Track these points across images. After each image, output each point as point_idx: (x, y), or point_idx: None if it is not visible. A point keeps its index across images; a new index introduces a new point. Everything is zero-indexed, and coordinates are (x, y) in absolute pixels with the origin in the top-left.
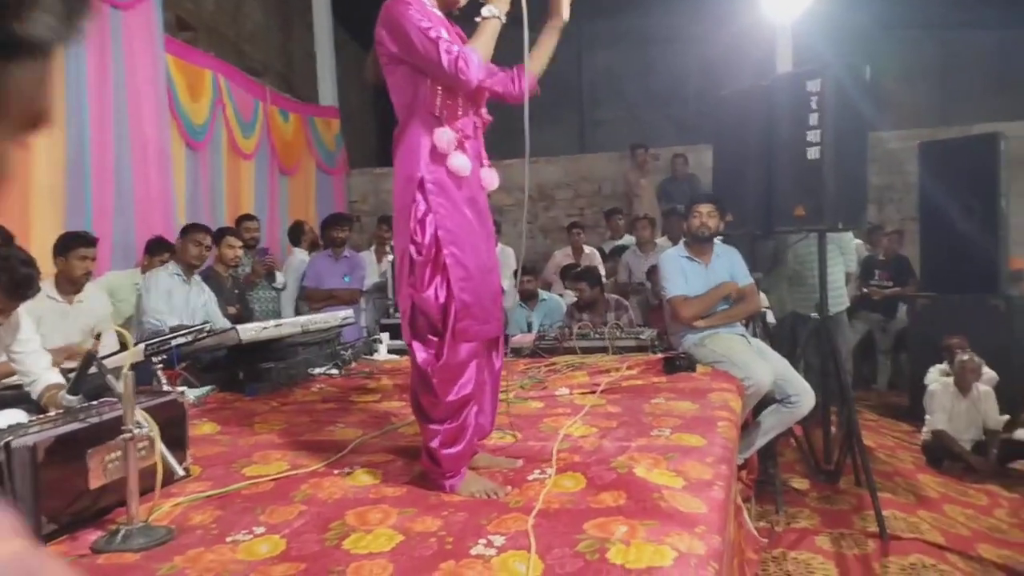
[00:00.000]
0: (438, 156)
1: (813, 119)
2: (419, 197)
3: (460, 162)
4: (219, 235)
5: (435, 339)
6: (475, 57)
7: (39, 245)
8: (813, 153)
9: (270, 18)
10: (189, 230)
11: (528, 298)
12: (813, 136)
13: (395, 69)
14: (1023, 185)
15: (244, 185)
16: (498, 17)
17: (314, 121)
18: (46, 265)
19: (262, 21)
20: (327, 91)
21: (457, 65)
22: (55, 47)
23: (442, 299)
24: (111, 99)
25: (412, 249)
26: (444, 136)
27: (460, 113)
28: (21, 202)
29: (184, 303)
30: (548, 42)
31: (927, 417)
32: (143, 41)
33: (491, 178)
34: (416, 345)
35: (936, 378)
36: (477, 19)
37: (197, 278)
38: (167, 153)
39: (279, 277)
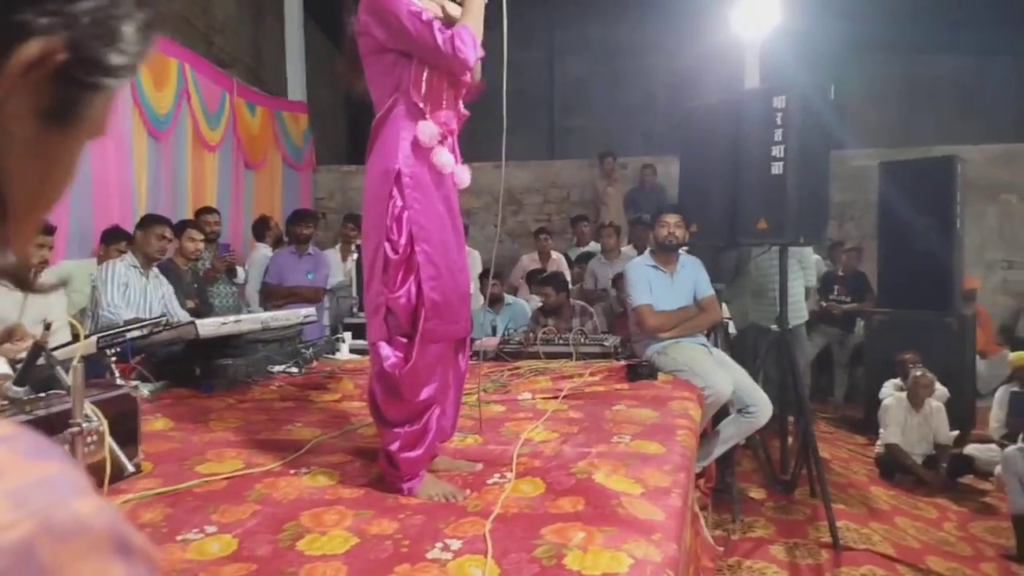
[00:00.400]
0: (419, 150)
1: (778, 135)
2: (395, 192)
3: (444, 158)
4: (180, 227)
5: (404, 340)
6: (468, 36)
7: None
8: (777, 168)
9: (241, 10)
10: (150, 222)
11: (494, 302)
12: (777, 151)
13: (379, 58)
14: (977, 207)
15: (208, 177)
16: None
17: (282, 115)
18: None
19: (233, 13)
20: (296, 86)
21: (454, 44)
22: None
23: (414, 300)
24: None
25: (387, 247)
26: (428, 129)
27: (444, 105)
28: None
29: (141, 296)
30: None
31: (881, 430)
32: None
33: (464, 176)
34: (383, 347)
35: (890, 392)
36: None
37: (155, 271)
38: (127, 141)
39: (240, 273)
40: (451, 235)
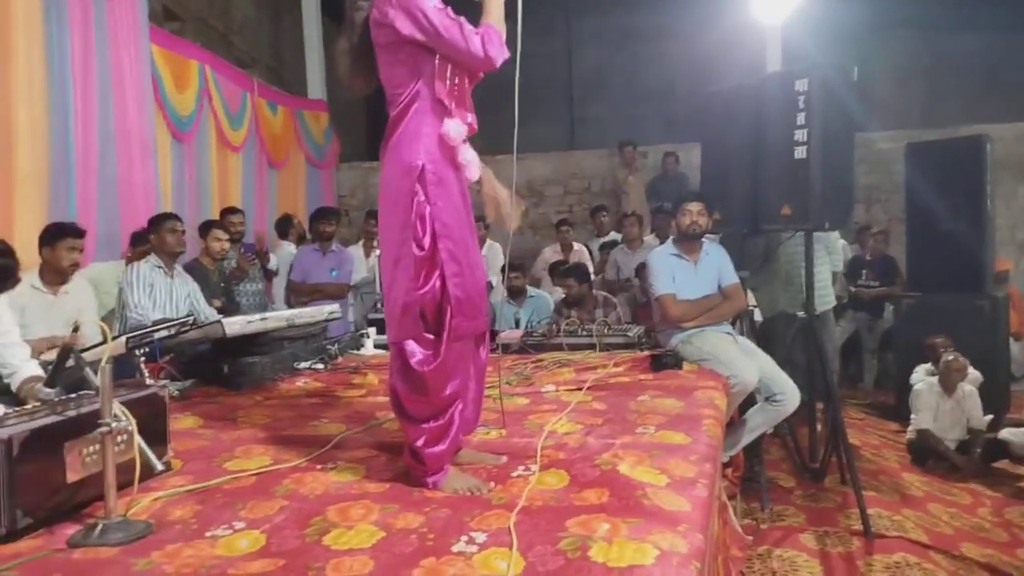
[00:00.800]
0: (442, 147)
1: (800, 119)
2: (419, 188)
3: (470, 155)
4: (205, 228)
5: (431, 337)
6: (496, 36)
7: (23, 235)
8: (800, 152)
9: (260, 10)
10: (159, 220)
11: (516, 294)
12: (800, 135)
13: (397, 50)
14: (1008, 187)
15: (232, 177)
16: None
17: (303, 114)
18: (30, 255)
19: (252, 13)
20: (316, 84)
21: (484, 46)
22: None
23: (439, 296)
24: (95, 89)
25: (413, 245)
26: (455, 128)
27: (467, 102)
28: (5, 192)
29: (167, 295)
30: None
31: (912, 416)
32: (128, 30)
33: (475, 170)
34: (410, 343)
35: (922, 377)
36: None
37: (179, 269)
38: (151, 144)
39: (272, 260)
40: (469, 231)
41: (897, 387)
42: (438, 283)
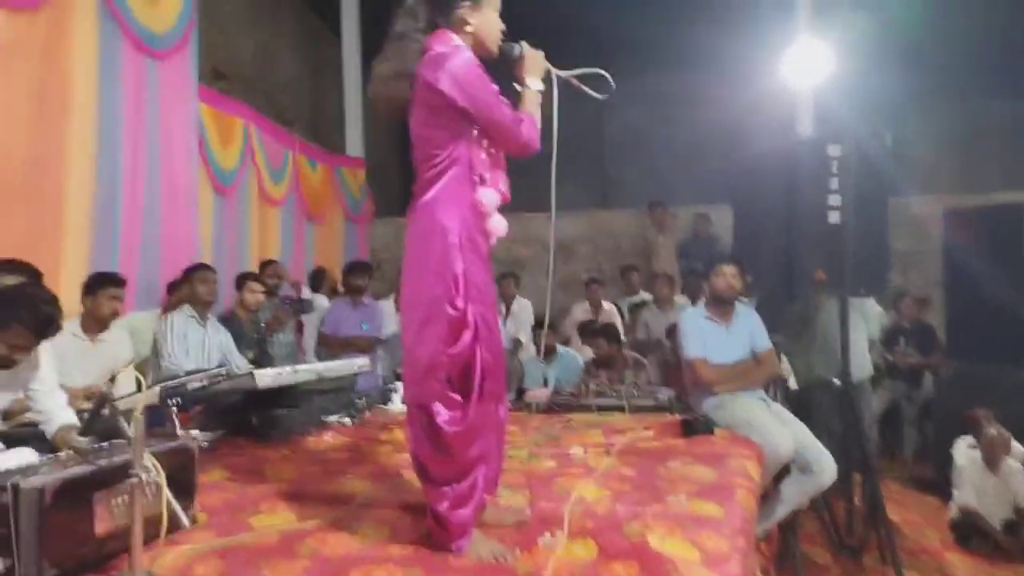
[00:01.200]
0: (477, 214)
1: (834, 183)
2: (456, 252)
3: (499, 222)
4: (241, 280)
5: (458, 399)
6: (535, 125)
7: (67, 284)
8: (834, 217)
9: (302, 69)
10: (193, 271)
11: (545, 352)
12: (834, 200)
13: (440, 114)
14: None
15: (271, 231)
16: (542, 90)
17: (341, 171)
18: (72, 303)
19: (294, 72)
20: (354, 141)
21: (529, 134)
22: None
23: (467, 357)
24: (144, 143)
25: (447, 305)
26: (490, 196)
27: (501, 171)
28: (53, 242)
29: (200, 345)
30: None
31: (955, 492)
32: (178, 89)
33: (503, 226)
34: (436, 406)
35: (963, 451)
36: (518, 87)
37: (212, 319)
38: (194, 197)
39: (305, 291)
40: (492, 296)
41: (938, 460)
42: (468, 345)
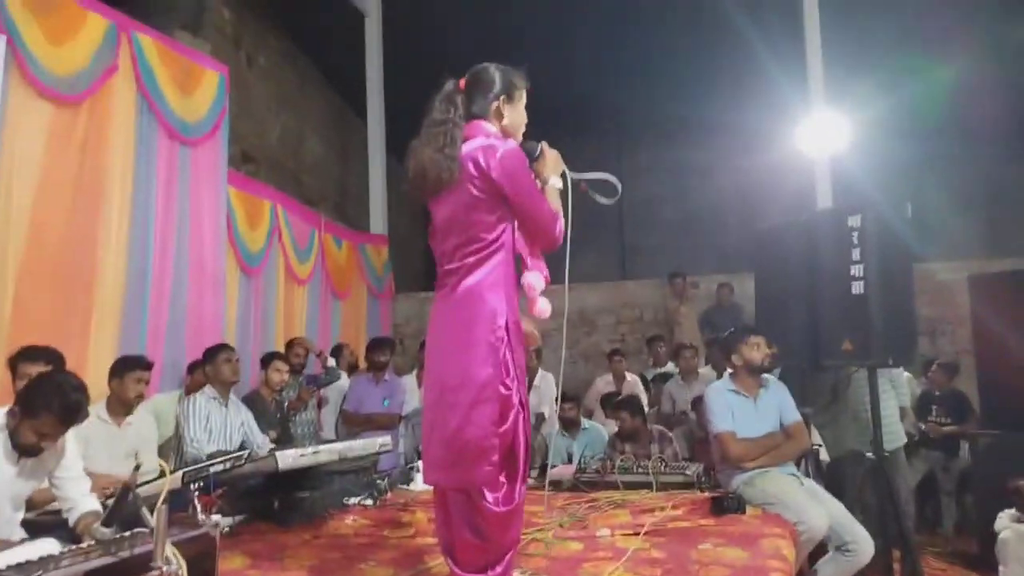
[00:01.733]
0: (518, 296)
1: (856, 254)
2: (504, 334)
3: (545, 305)
4: (267, 359)
5: (504, 479)
6: (562, 223)
7: (95, 365)
8: (858, 288)
9: (328, 150)
10: (215, 352)
11: (569, 426)
12: (856, 271)
13: (490, 199)
14: None
15: (297, 309)
16: (560, 187)
17: (365, 248)
18: (100, 385)
19: (321, 154)
20: (378, 219)
21: (560, 230)
22: None
23: (512, 436)
24: (174, 228)
25: (500, 386)
26: (536, 279)
27: (541, 256)
28: (82, 324)
29: (222, 426)
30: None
31: (1001, 568)
32: (208, 174)
33: (547, 309)
34: (486, 488)
35: (1007, 524)
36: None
37: (234, 398)
38: (222, 280)
39: (331, 360)
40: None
41: (980, 533)
42: (514, 423)
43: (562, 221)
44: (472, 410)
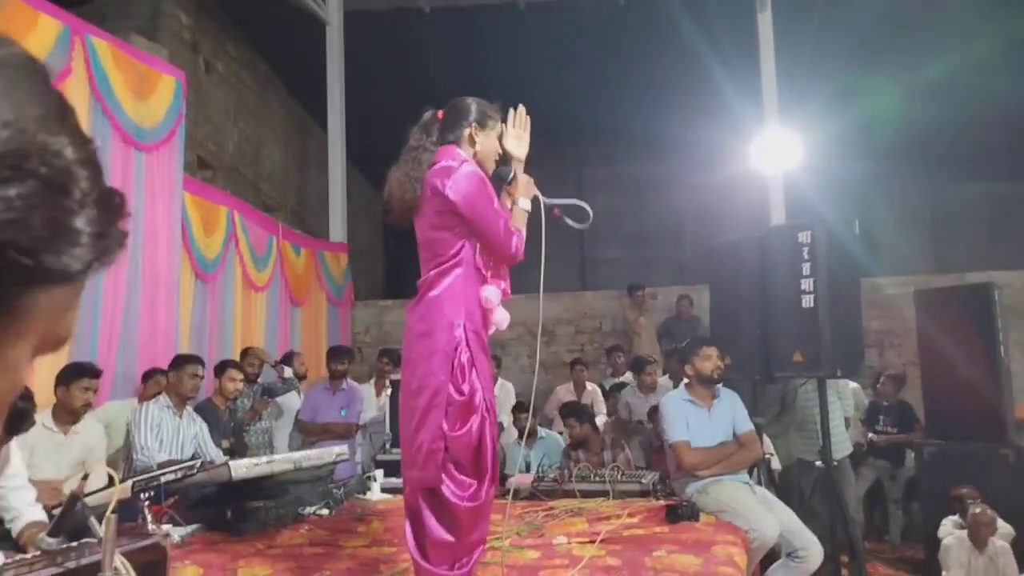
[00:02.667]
0: (480, 308)
1: (806, 269)
2: (462, 342)
3: (502, 316)
4: (221, 368)
5: (467, 480)
6: (522, 239)
7: (44, 373)
8: (808, 301)
9: (288, 159)
10: (182, 362)
11: (527, 435)
12: (807, 285)
13: (448, 218)
14: (1021, 334)
15: (256, 317)
16: (529, 210)
17: (323, 256)
18: (45, 395)
19: (279, 162)
20: (337, 227)
21: (517, 246)
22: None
23: (476, 439)
24: (128, 235)
25: (452, 389)
26: (492, 293)
27: (501, 271)
28: None
29: (174, 437)
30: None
31: (944, 573)
32: (163, 181)
33: (505, 318)
34: (446, 486)
35: (950, 531)
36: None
37: (189, 409)
38: (175, 286)
39: (287, 371)
40: (492, 382)
41: (925, 540)
42: (476, 426)
43: (519, 238)
44: (426, 414)
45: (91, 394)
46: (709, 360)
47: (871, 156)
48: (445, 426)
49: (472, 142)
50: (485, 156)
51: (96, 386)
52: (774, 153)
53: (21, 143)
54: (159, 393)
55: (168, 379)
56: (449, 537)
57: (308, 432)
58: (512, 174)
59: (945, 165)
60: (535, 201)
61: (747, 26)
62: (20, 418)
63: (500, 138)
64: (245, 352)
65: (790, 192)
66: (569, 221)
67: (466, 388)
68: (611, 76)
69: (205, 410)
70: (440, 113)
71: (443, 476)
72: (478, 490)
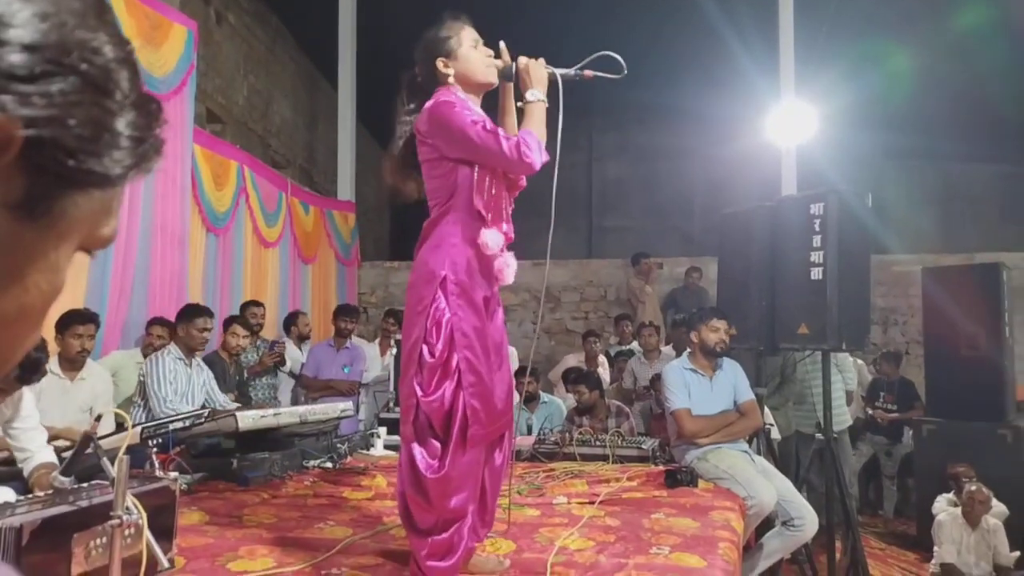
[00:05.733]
0: (473, 259)
1: (816, 241)
2: (440, 296)
3: (504, 264)
4: (226, 323)
5: (438, 445)
6: (534, 141)
7: (47, 323)
8: (816, 274)
9: (297, 115)
10: (191, 315)
11: (529, 400)
12: (816, 257)
13: (436, 165)
14: None
15: (266, 271)
16: (543, 100)
17: (332, 214)
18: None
19: (289, 118)
20: (346, 186)
21: (520, 150)
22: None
23: (448, 404)
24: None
25: (425, 349)
26: (494, 238)
27: (504, 215)
28: None
29: (186, 384)
30: (533, 116)
31: (935, 548)
32: (174, 131)
33: (511, 274)
34: (416, 448)
35: (944, 507)
36: (519, 104)
37: (197, 359)
38: (186, 237)
39: (288, 362)
40: (493, 343)
41: (918, 515)
42: (449, 392)
43: (526, 141)
44: (405, 371)
45: (87, 340)
46: (716, 332)
47: (885, 131)
48: (417, 388)
49: (445, 77)
50: (470, 74)
51: (91, 331)
52: (789, 125)
53: (61, 36)
54: (164, 343)
55: (177, 330)
56: (422, 502)
57: (310, 388)
58: (514, 67)
59: (959, 144)
60: (554, 85)
61: None
62: (32, 368)
63: (476, 44)
64: (246, 305)
65: (803, 165)
66: (603, 74)
67: (439, 348)
68: (626, 43)
69: (212, 363)
70: (407, 77)
71: (414, 437)
72: (442, 460)
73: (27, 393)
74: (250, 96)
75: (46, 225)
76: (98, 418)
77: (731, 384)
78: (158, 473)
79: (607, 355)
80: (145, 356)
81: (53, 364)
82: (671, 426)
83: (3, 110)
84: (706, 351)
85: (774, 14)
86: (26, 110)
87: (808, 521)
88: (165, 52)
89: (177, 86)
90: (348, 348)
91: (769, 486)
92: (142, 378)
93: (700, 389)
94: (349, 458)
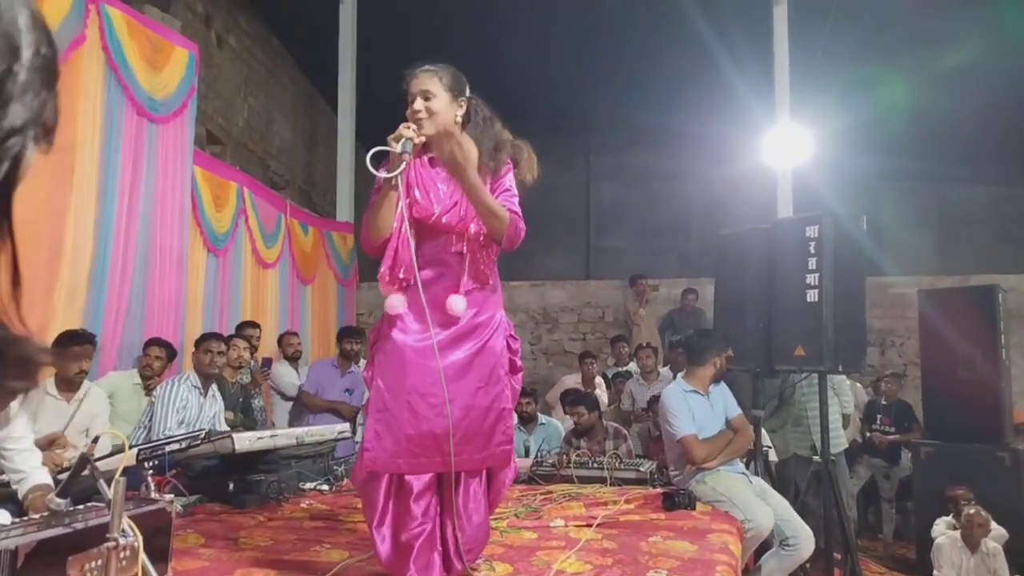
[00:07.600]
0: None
1: (812, 263)
2: (384, 326)
3: (393, 304)
4: (227, 341)
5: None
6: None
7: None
8: (812, 296)
9: (297, 137)
10: (202, 339)
11: (526, 421)
12: (812, 279)
13: None
14: (1023, 337)
15: (267, 293)
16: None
17: (331, 235)
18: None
19: (289, 139)
20: (344, 207)
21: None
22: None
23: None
24: (139, 206)
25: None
26: (390, 303)
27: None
28: (44, 301)
29: (196, 414)
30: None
31: (935, 572)
32: (174, 153)
33: (459, 305)
34: None
35: (943, 531)
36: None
37: (214, 387)
38: (184, 259)
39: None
40: (422, 368)
41: (917, 539)
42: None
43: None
44: None
45: (85, 361)
46: (728, 360)
47: (881, 153)
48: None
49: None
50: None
51: (89, 352)
52: (784, 147)
53: None
54: (162, 364)
55: (193, 358)
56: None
57: (311, 405)
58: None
59: (954, 166)
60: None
61: (761, 20)
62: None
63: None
64: (243, 326)
65: (798, 187)
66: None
67: (370, 375)
68: (624, 65)
69: (217, 382)
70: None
71: None
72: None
73: (20, 411)
74: (250, 118)
75: None
76: (95, 440)
77: (722, 400)
78: (154, 495)
79: (604, 376)
80: (143, 377)
81: (50, 385)
82: (669, 451)
83: None
84: (718, 376)
85: (769, 38)
86: None
87: (803, 541)
88: (166, 75)
89: (178, 108)
90: (352, 372)
91: (767, 509)
92: (153, 400)
93: (702, 409)
94: (345, 481)
